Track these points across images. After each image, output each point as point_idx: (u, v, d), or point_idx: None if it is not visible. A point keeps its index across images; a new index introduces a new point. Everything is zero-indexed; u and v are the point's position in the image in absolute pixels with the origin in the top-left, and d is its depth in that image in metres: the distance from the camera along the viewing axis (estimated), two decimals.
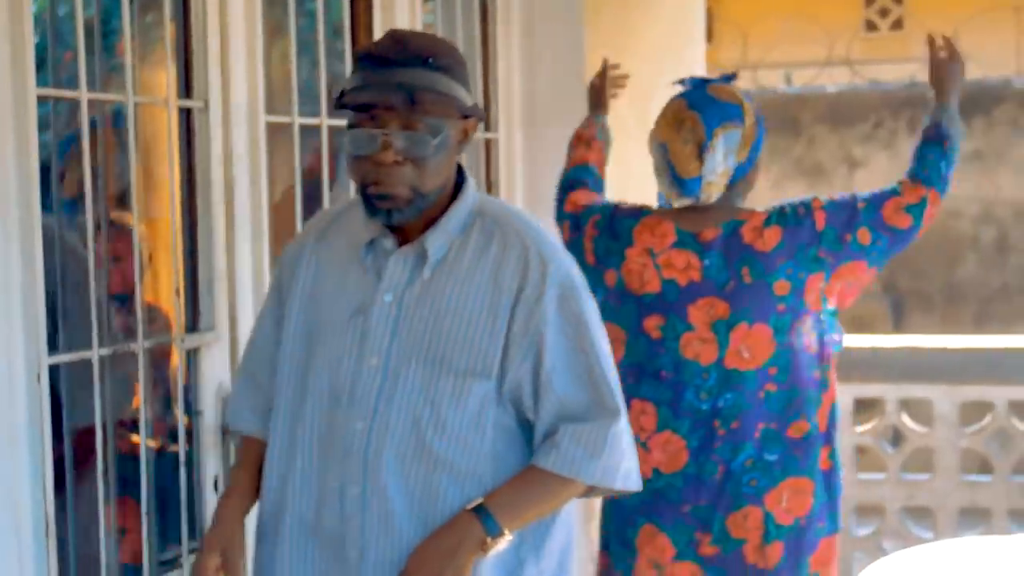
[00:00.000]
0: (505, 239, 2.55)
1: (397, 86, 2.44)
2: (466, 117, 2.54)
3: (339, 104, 2.53)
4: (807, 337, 3.39)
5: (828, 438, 3.44)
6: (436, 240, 2.54)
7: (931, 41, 3.63)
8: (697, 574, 3.42)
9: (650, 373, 3.41)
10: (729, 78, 3.58)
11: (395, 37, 2.53)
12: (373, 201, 2.49)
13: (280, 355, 2.66)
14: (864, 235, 3.38)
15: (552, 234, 2.68)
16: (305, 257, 2.67)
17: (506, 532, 2.52)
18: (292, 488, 2.60)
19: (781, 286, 3.35)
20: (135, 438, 3.21)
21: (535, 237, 2.58)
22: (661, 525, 3.42)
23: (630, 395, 3.10)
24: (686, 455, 3.39)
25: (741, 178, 3.42)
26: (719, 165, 3.37)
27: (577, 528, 2.78)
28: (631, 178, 5.22)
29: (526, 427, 2.59)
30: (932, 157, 3.47)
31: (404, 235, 2.57)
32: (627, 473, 2.61)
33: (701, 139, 3.38)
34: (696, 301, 3.37)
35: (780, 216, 3.38)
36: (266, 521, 2.65)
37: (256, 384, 2.74)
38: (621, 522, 3.48)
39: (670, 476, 3.41)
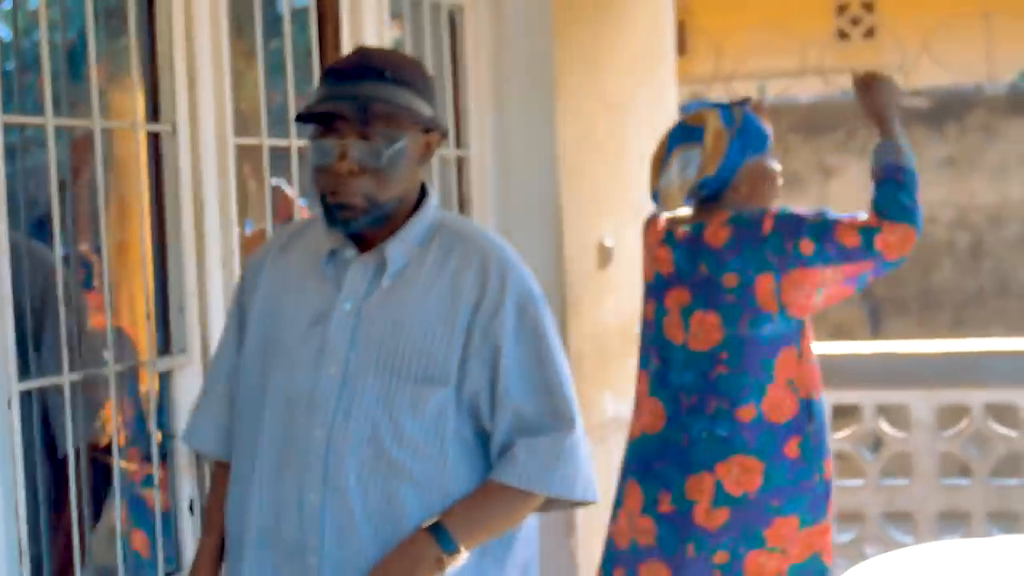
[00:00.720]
0: (465, 252, 2.59)
1: (353, 98, 2.49)
2: (428, 131, 2.58)
3: (298, 117, 2.58)
4: (758, 330, 3.77)
5: (797, 429, 3.78)
6: (395, 249, 2.57)
7: (854, 80, 3.98)
8: (651, 530, 3.87)
9: (647, 348, 3.97)
10: (744, 102, 3.99)
11: (358, 52, 2.61)
12: (332, 211, 2.54)
13: (241, 368, 2.69)
14: (806, 245, 3.74)
15: (512, 249, 2.71)
16: (266, 269, 2.70)
17: (462, 549, 2.53)
18: (252, 500, 2.61)
19: (729, 279, 3.79)
20: (109, 462, 3.21)
21: (495, 250, 2.62)
22: (639, 480, 3.91)
23: (640, 366, 3.97)
24: (663, 421, 3.88)
25: (725, 187, 3.85)
26: (675, 178, 3.89)
27: (538, 544, 2.78)
28: (604, 191, 5.24)
29: (485, 439, 2.60)
30: (890, 194, 3.76)
31: (366, 247, 2.60)
32: (585, 484, 2.63)
33: (661, 158, 3.97)
34: (671, 289, 3.91)
35: (737, 218, 3.82)
36: (231, 538, 2.67)
37: (216, 401, 2.76)
38: (621, 477, 3.99)
39: (651, 437, 3.91)
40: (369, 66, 2.54)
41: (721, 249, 3.82)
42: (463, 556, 2.53)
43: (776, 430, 3.79)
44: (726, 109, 3.95)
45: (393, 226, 2.59)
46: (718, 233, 3.84)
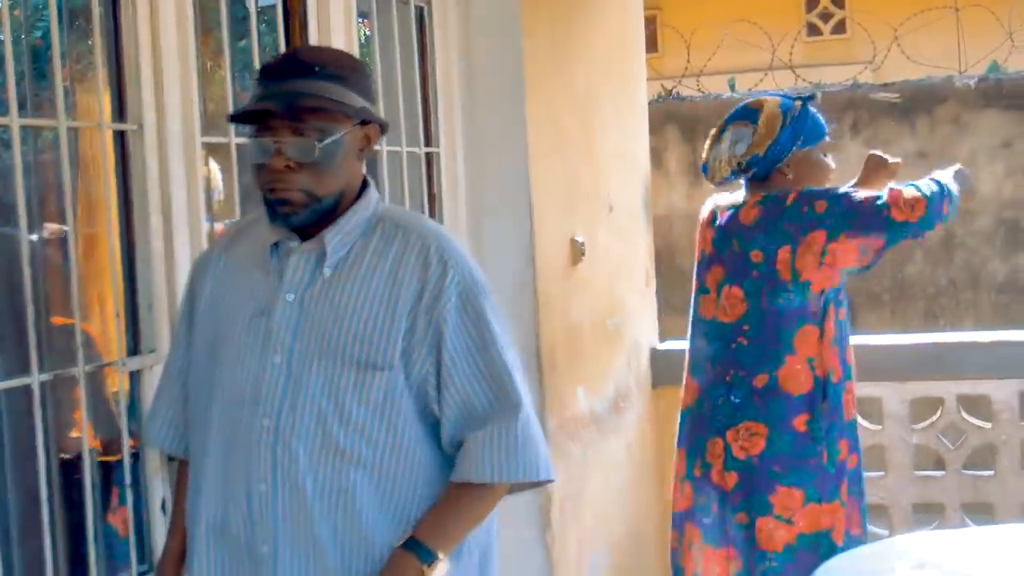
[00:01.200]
0: (407, 240, 2.63)
1: (283, 95, 2.54)
2: (365, 124, 2.61)
3: (231, 118, 2.63)
4: (775, 301, 4.07)
5: (808, 405, 4.06)
6: (334, 238, 2.62)
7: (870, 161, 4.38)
8: (689, 495, 4.30)
9: (691, 326, 4.37)
10: (808, 98, 4.28)
11: (289, 52, 2.65)
12: (272, 206, 2.58)
13: (191, 365, 2.72)
14: (820, 205, 4.04)
15: (455, 237, 2.77)
16: (212, 266, 2.76)
17: (440, 556, 2.56)
18: (203, 495, 2.64)
19: (755, 255, 4.11)
20: (80, 462, 3.19)
21: (436, 238, 2.67)
22: (683, 450, 4.35)
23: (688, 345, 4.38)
24: (697, 394, 4.28)
25: (772, 170, 4.17)
26: (724, 152, 4.22)
27: (496, 526, 2.84)
28: (575, 187, 5.24)
29: (435, 423, 2.64)
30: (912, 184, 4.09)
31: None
32: (545, 464, 2.70)
33: (716, 133, 4.29)
34: (711, 267, 4.28)
35: (766, 198, 4.14)
36: (190, 534, 2.70)
37: (170, 398, 2.81)
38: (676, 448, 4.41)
39: (688, 410, 4.33)
40: (299, 63, 2.59)
41: (750, 227, 4.14)
42: (443, 562, 2.57)
43: (787, 401, 4.05)
44: (787, 98, 4.25)
45: (335, 219, 2.64)
46: (750, 212, 4.17)
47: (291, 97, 2.54)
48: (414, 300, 2.60)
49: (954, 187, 4.13)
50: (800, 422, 4.05)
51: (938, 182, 4.10)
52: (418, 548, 2.57)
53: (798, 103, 4.22)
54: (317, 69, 2.57)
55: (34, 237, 3.14)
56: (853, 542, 4.12)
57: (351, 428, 2.57)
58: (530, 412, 2.66)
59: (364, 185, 2.72)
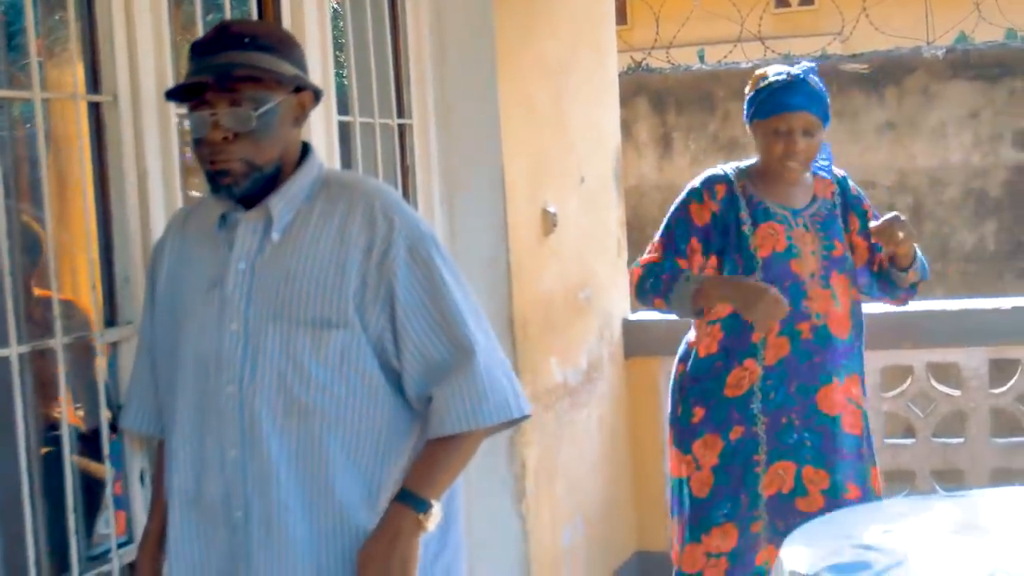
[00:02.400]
0: (351, 200, 2.68)
1: (216, 67, 2.59)
2: (299, 91, 2.65)
3: (167, 94, 2.66)
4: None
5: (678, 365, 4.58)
6: (279, 203, 2.67)
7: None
8: None
9: None
10: (808, 71, 4.43)
11: (218, 27, 2.69)
12: (214, 179, 2.63)
13: (155, 343, 2.76)
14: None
15: (398, 193, 2.83)
16: (167, 246, 2.83)
17: (433, 503, 2.62)
18: (175, 464, 2.68)
19: None
20: (59, 434, 3.20)
21: (381, 195, 2.72)
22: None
23: None
24: None
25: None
26: None
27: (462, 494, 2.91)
28: (546, 158, 5.25)
29: (395, 376, 2.68)
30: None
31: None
32: (516, 400, 2.73)
33: None
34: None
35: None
36: (167, 507, 2.73)
37: (142, 380, 2.85)
38: None
39: None
40: (230, 36, 2.63)
41: None
42: (437, 508, 2.63)
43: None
44: (780, 73, 4.36)
45: (279, 187, 2.69)
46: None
47: (224, 68, 2.58)
48: (363, 257, 2.64)
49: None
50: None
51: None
52: (412, 499, 2.63)
53: (752, 82, 4.42)
54: (247, 40, 2.62)
55: (9, 209, 3.13)
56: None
57: (312, 387, 2.62)
58: (490, 353, 2.71)
59: (305, 152, 2.77)
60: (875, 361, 5.66)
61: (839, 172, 4.55)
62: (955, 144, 8.27)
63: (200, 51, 2.65)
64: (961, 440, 5.78)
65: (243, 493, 2.63)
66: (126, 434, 3.30)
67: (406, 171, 4.78)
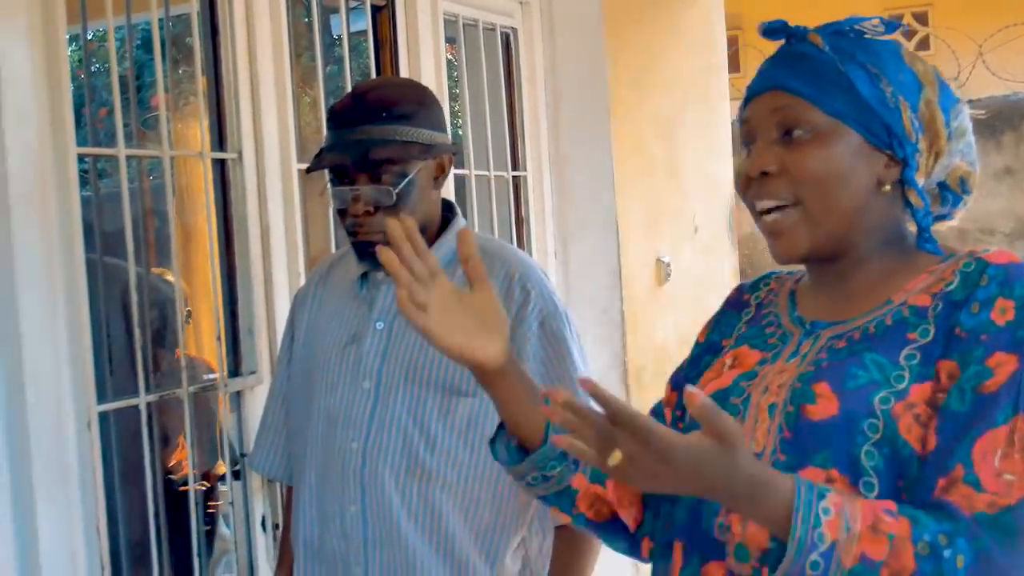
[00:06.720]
0: (491, 268, 2.65)
1: (355, 144, 2.59)
2: (437, 153, 2.67)
3: (309, 169, 2.68)
4: None
5: None
6: None
7: None
8: None
9: None
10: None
11: (354, 94, 2.66)
12: (359, 248, 2.64)
13: (290, 392, 2.80)
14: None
15: (538, 265, 2.80)
16: (310, 298, 2.85)
17: None
18: (300, 515, 2.71)
19: None
20: (184, 481, 3.28)
21: (520, 266, 2.70)
22: None
23: None
24: None
25: None
26: None
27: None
28: (660, 208, 5.28)
29: None
30: None
31: None
32: None
33: None
34: None
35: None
36: (294, 557, 2.78)
37: (274, 425, 2.89)
38: None
39: None
40: (366, 107, 2.62)
41: None
42: None
43: None
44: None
45: None
46: None
47: (362, 147, 2.59)
48: None
49: None
50: None
51: None
52: None
53: None
54: (384, 113, 2.62)
55: (139, 262, 3.23)
56: None
57: (437, 451, 2.62)
58: None
59: (450, 212, 2.78)
60: None
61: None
62: None
63: (337, 122, 2.65)
64: None
65: (362, 549, 2.65)
66: (251, 479, 3.38)
67: (521, 223, 4.84)
